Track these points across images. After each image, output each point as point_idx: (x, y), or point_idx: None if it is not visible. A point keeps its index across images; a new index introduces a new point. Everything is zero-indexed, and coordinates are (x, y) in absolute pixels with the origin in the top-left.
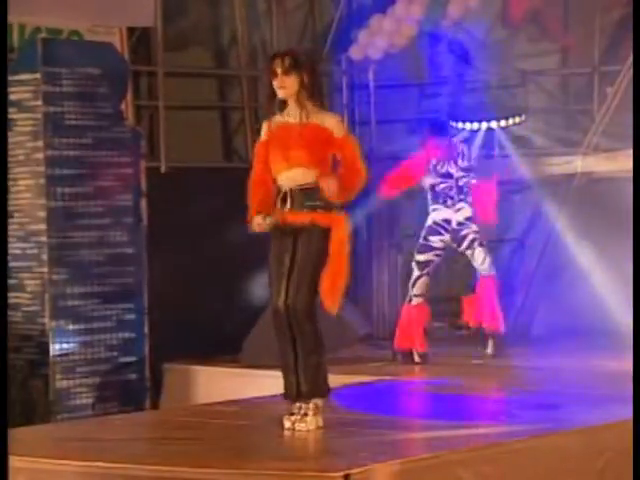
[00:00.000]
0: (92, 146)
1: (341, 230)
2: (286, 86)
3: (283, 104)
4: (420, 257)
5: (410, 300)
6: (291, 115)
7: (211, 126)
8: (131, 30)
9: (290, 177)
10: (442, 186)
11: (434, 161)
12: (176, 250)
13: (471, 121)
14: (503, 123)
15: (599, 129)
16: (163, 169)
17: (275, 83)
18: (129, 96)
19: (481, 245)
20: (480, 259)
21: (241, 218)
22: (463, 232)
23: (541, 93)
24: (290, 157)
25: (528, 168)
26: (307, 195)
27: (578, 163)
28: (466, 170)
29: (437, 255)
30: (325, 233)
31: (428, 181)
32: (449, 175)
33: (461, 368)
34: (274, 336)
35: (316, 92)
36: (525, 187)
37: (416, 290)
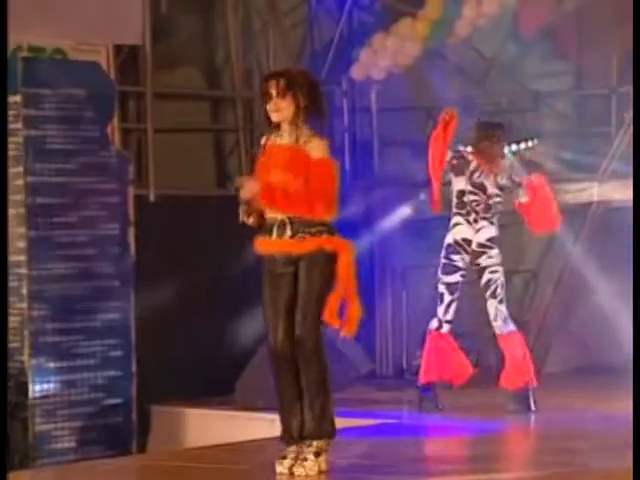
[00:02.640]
0: (76, 172)
1: (348, 254)
2: (280, 109)
3: (277, 126)
4: (448, 279)
5: (440, 327)
6: (284, 137)
7: (203, 151)
8: (118, 48)
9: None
10: (471, 197)
11: (473, 166)
12: (165, 283)
13: None
14: (514, 148)
15: (617, 154)
16: (152, 197)
17: (269, 106)
18: (116, 119)
19: (494, 295)
20: (492, 314)
21: (235, 249)
22: (482, 262)
23: (555, 116)
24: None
25: None
26: (307, 222)
27: (594, 190)
28: (501, 189)
29: (462, 276)
30: (329, 259)
31: (457, 185)
32: (482, 188)
33: (482, 411)
34: (269, 376)
35: (315, 115)
36: None
37: (449, 316)
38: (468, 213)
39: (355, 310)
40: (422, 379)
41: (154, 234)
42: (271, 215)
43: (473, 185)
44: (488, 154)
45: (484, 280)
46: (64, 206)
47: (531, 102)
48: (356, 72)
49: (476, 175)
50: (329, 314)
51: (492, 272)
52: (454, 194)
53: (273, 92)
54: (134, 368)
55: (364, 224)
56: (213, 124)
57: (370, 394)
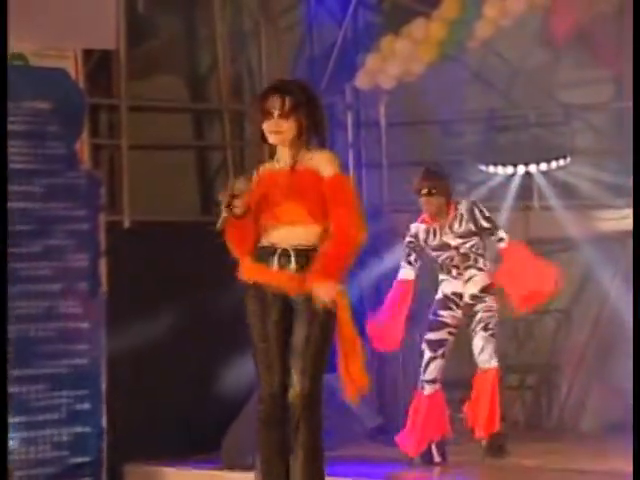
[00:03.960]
0: (40, 195)
1: (344, 301)
2: (282, 131)
3: (273, 149)
4: (431, 335)
5: (422, 387)
6: (280, 160)
7: (185, 171)
8: (88, 53)
9: (284, 236)
10: (442, 257)
11: (422, 233)
12: (142, 323)
13: (504, 164)
14: (544, 167)
15: None
16: (126, 223)
17: (267, 126)
18: (85, 134)
19: (485, 329)
20: (478, 347)
21: (223, 284)
22: (476, 308)
23: (590, 131)
24: (280, 214)
25: (575, 223)
26: (313, 257)
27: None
28: (466, 236)
29: (451, 334)
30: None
31: (429, 252)
32: (445, 245)
33: (489, 470)
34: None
35: (315, 135)
36: (571, 247)
37: (428, 375)
38: (449, 271)
39: (359, 371)
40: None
41: (129, 266)
42: (271, 241)
43: (435, 248)
44: (431, 209)
45: (477, 320)
46: (26, 234)
47: (563, 115)
48: (362, 81)
49: (431, 238)
50: (348, 380)
51: (486, 311)
52: (432, 262)
53: (275, 112)
54: (104, 422)
55: (370, 257)
56: (197, 140)
57: (378, 451)
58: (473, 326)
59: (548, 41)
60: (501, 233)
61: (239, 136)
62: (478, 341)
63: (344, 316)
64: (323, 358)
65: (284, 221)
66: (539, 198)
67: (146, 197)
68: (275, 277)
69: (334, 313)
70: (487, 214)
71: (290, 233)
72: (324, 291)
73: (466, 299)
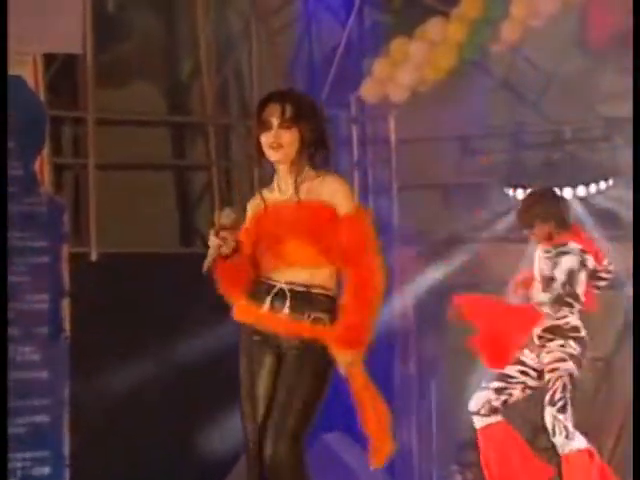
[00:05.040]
0: None
1: (346, 347)
2: (282, 145)
3: (269, 173)
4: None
5: (490, 414)
6: (281, 188)
7: (163, 195)
8: (50, 58)
9: (288, 276)
10: None
11: None
12: (110, 373)
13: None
14: (582, 191)
15: None
16: (94, 256)
17: (266, 139)
18: (46, 152)
19: (552, 403)
20: (549, 426)
21: (206, 327)
22: (542, 357)
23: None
24: (284, 254)
25: (618, 255)
26: (312, 299)
27: None
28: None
29: (523, 373)
30: (324, 355)
31: None
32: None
33: None
34: None
35: (319, 152)
36: (614, 284)
37: (499, 402)
38: None
39: (382, 432)
40: None
41: (96, 306)
42: (268, 277)
43: None
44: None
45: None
46: None
47: (603, 130)
48: (368, 90)
49: None
50: (370, 443)
51: (550, 371)
52: None
53: (275, 121)
54: None
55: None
56: (176, 159)
57: None
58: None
59: (585, 44)
60: None
61: (225, 154)
62: (548, 419)
63: (356, 369)
64: (309, 414)
65: (289, 261)
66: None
67: (116, 225)
68: (265, 319)
69: (332, 362)
70: None
71: (293, 274)
72: (349, 360)
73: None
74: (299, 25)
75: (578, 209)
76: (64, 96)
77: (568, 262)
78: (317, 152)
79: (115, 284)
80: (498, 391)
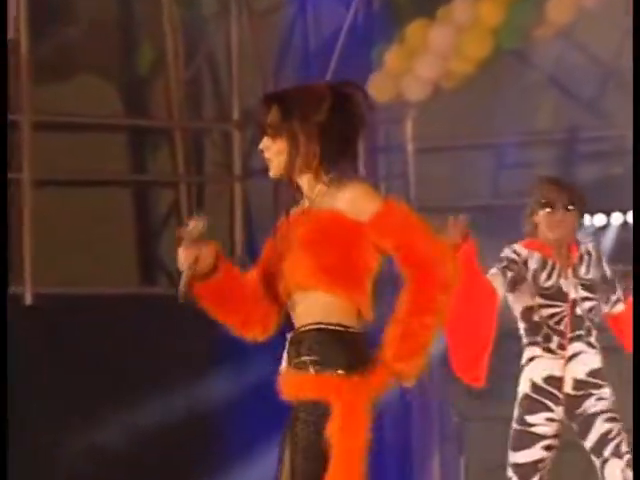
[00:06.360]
0: None
1: (352, 402)
2: (270, 157)
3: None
4: (519, 457)
5: None
6: (305, 198)
7: (118, 218)
8: None
9: (295, 311)
10: (548, 312)
11: (536, 262)
12: (49, 442)
13: (592, 211)
14: None
15: None
16: (28, 299)
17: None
18: None
19: (617, 454)
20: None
21: (166, 384)
22: (588, 408)
23: None
24: (283, 273)
25: None
26: (300, 345)
27: None
28: (591, 289)
29: (550, 449)
30: (314, 409)
31: (518, 302)
32: (561, 296)
33: None
34: None
35: (337, 157)
36: None
37: None
38: (547, 338)
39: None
40: None
41: (32, 358)
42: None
43: (544, 293)
44: (562, 233)
45: (597, 433)
46: None
47: None
48: (379, 87)
49: (544, 276)
50: None
51: (609, 420)
52: (518, 317)
53: (265, 127)
54: None
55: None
56: (135, 173)
57: None
58: (593, 445)
59: None
60: (619, 292)
61: (197, 167)
62: (612, 473)
63: (354, 417)
64: None
65: (292, 285)
66: None
67: (57, 260)
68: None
69: (325, 411)
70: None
71: (299, 307)
72: (410, 372)
73: (568, 389)
74: (291, 4)
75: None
76: None
77: None
78: (336, 157)
79: (55, 334)
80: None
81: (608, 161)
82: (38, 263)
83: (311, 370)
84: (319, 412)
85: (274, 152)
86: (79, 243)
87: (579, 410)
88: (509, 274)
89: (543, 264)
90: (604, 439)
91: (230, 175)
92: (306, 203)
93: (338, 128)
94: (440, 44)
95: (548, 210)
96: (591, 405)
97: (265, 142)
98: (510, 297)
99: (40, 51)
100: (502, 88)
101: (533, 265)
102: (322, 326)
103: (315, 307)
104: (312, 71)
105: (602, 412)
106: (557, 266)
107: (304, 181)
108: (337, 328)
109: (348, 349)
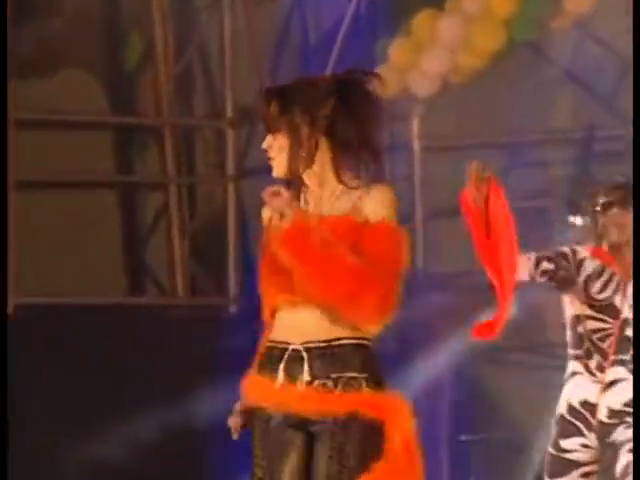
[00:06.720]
0: None
1: (406, 421)
2: (272, 156)
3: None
4: None
5: None
6: (309, 203)
7: (103, 221)
8: None
9: (299, 328)
10: (593, 326)
11: (592, 268)
12: (36, 460)
13: None
14: None
15: None
16: (10, 309)
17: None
18: None
19: None
20: None
21: (160, 401)
22: (617, 437)
23: None
24: (292, 287)
25: None
26: (338, 359)
27: None
28: None
29: (587, 475)
30: (371, 428)
31: (571, 306)
32: (612, 311)
33: None
34: None
35: (355, 155)
36: None
37: None
38: (588, 354)
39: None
40: None
41: (12, 374)
42: (278, 336)
43: (594, 306)
44: (622, 237)
45: (621, 465)
46: None
47: None
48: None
49: (599, 286)
50: None
51: (631, 451)
52: (567, 324)
53: (264, 121)
54: None
55: (404, 354)
56: (122, 174)
57: None
58: (618, 477)
59: None
60: None
61: (188, 167)
62: None
63: (406, 431)
64: None
65: (293, 297)
66: None
67: (40, 267)
68: (278, 396)
69: (376, 436)
70: None
71: (304, 322)
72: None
73: (601, 416)
74: None
75: None
76: None
77: None
78: (353, 156)
79: (37, 346)
80: None
81: (628, 161)
82: (19, 270)
83: (365, 388)
84: (373, 431)
85: (276, 149)
86: (62, 248)
87: (609, 439)
88: (548, 265)
89: (600, 272)
90: (626, 471)
91: (223, 176)
92: (311, 205)
93: (348, 121)
94: (449, 36)
95: (615, 211)
96: (620, 433)
97: (267, 140)
98: (564, 300)
99: (21, 43)
100: (515, 83)
101: (587, 270)
102: (361, 342)
103: (338, 320)
104: (311, 65)
105: (628, 441)
106: (615, 278)
107: (313, 180)
108: (369, 343)
109: (379, 365)
